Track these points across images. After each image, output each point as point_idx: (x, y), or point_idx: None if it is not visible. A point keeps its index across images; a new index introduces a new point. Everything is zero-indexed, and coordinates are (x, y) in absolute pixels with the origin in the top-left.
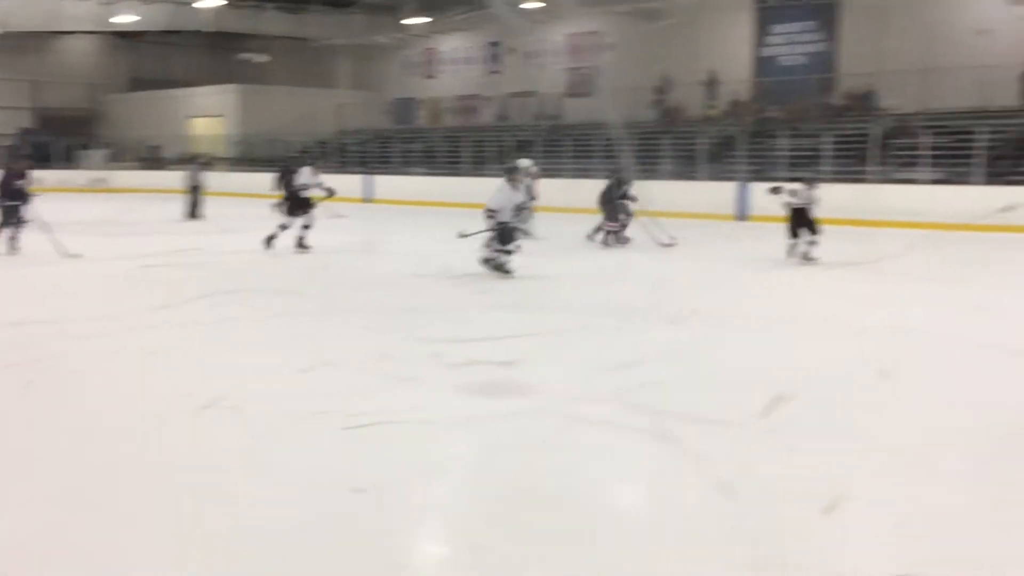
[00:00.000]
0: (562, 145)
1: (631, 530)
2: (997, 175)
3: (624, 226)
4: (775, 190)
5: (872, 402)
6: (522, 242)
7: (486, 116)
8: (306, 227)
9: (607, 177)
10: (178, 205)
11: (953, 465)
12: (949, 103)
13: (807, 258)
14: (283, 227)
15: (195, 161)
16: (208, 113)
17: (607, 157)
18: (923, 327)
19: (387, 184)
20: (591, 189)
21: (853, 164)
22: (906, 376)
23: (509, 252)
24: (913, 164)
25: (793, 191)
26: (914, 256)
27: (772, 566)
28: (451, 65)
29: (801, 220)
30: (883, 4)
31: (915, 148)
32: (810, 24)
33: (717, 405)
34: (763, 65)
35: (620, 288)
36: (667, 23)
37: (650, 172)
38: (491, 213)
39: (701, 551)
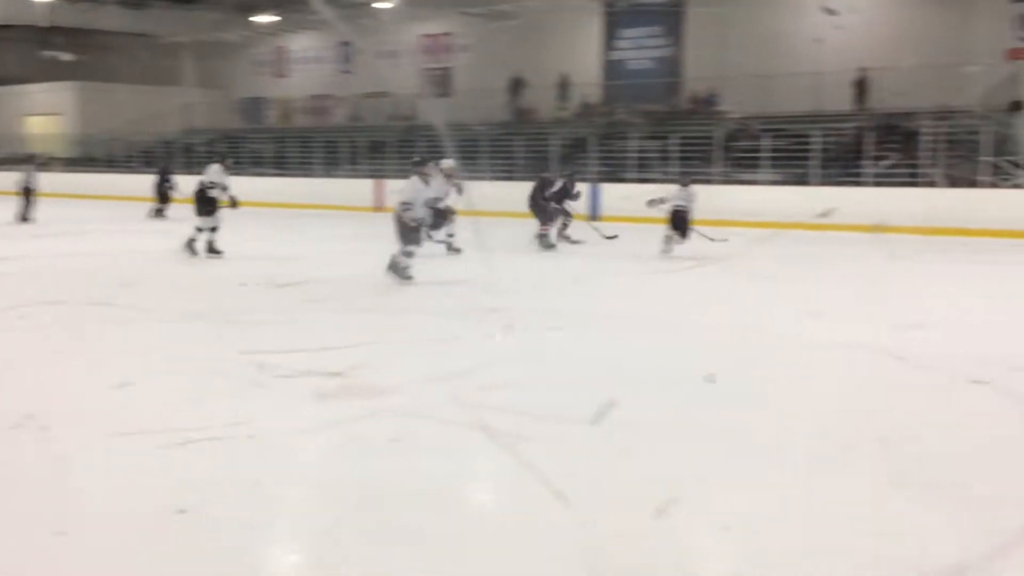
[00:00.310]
0: (416, 146)
1: (466, 533)
2: (831, 177)
3: (565, 225)
4: (652, 203)
5: (708, 401)
6: (425, 245)
7: (339, 116)
8: (213, 229)
9: (534, 178)
10: (11, 208)
11: (788, 462)
12: (787, 107)
13: (664, 251)
14: (199, 229)
15: (31, 161)
16: (45, 111)
17: (464, 158)
18: (761, 324)
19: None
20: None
21: (698, 165)
22: (743, 374)
23: (411, 254)
24: (754, 166)
25: (663, 198)
26: (756, 254)
27: (605, 569)
28: (302, 64)
29: (679, 220)
30: (725, 12)
31: (756, 150)
32: (656, 29)
33: (557, 406)
34: (612, 68)
35: (470, 290)
36: (513, 23)
37: (505, 172)
38: (406, 205)
39: (535, 553)
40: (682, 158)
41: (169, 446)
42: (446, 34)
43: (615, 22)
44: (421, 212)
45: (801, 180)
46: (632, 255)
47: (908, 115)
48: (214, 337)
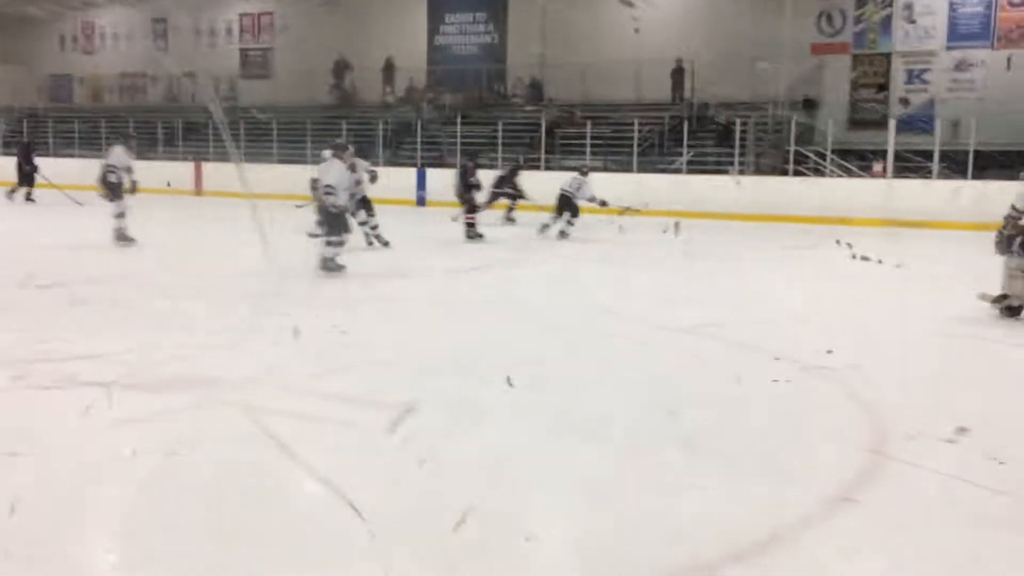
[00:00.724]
0: (236, 128)
1: (289, 531)
2: (651, 164)
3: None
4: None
5: (536, 383)
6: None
7: (153, 96)
8: (120, 215)
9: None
10: None
11: (606, 441)
12: (608, 96)
13: (563, 234)
14: (120, 215)
15: None
16: None
17: (287, 141)
18: (605, 307)
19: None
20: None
21: (523, 151)
22: (575, 356)
23: (341, 243)
24: (578, 152)
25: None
26: (587, 240)
27: None
28: (113, 41)
29: (565, 204)
30: (547, 1)
31: (580, 137)
32: (481, 15)
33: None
34: (438, 53)
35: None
36: (336, 4)
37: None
38: (330, 189)
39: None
40: (508, 144)
41: None
42: (267, 14)
43: (440, 7)
44: (344, 198)
45: (624, 167)
46: (454, 242)
47: (722, 106)
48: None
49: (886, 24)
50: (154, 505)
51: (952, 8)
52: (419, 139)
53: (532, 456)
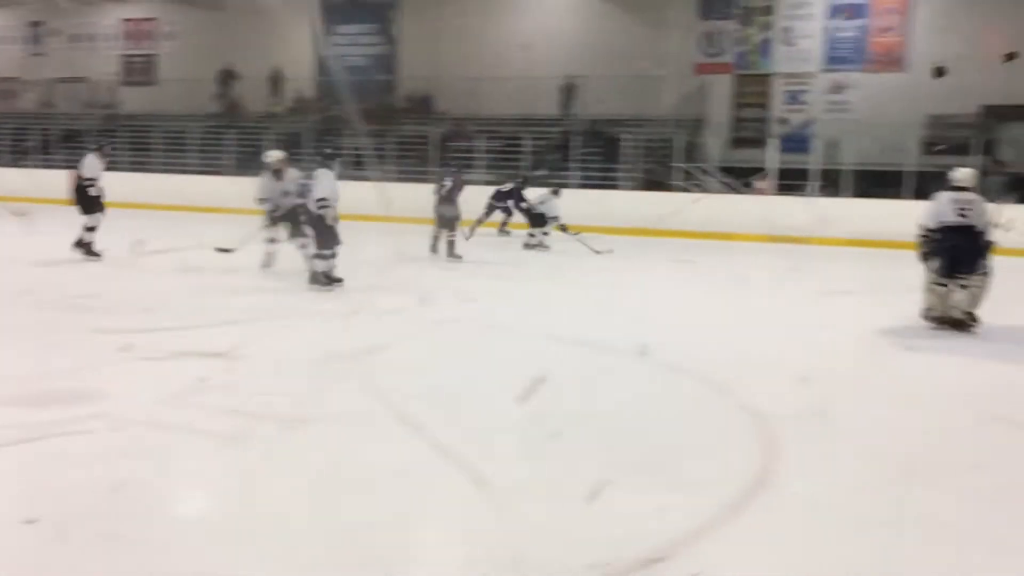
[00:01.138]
0: (118, 136)
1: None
2: (540, 179)
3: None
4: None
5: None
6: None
7: (28, 102)
8: (92, 229)
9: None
10: None
11: (497, 447)
12: (499, 110)
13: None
14: (88, 228)
15: None
16: None
17: (170, 150)
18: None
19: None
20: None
21: (415, 164)
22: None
23: (333, 256)
24: (469, 166)
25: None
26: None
27: None
28: None
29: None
30: (437, 15)
31: (471, 151)
32: (371, 27)
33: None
34: (327, 64)
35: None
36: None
37: (214, 166)
38: (324, 202)
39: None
40: (399, 157)
41: None
42: (150, 19)
43: (330, 17)
44: (336, 210)
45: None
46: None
47: (610, 122)
48: None
49: (766, 46)
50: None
51: (828, 32)
52: (308, 151)
53: (428, 467)
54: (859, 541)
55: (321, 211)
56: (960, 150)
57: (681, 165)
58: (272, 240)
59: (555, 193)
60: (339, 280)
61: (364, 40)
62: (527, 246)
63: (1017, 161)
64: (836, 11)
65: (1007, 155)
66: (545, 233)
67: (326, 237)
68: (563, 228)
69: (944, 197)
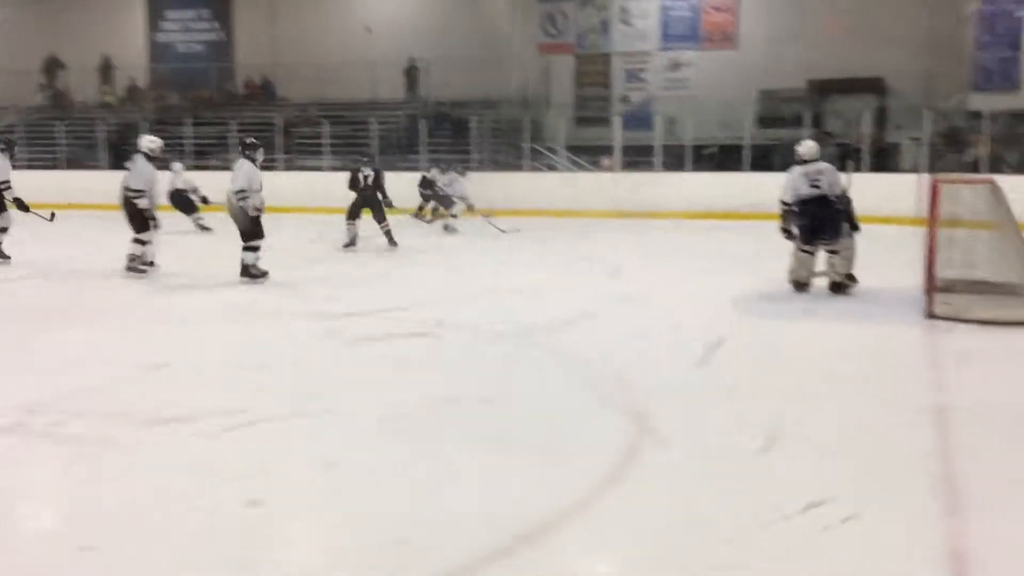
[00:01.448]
0: None
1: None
2: (390, 163)
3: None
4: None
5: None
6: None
7: None
8: (4, 230)
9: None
10: None
11: (381, 432)
12: (343, 95)
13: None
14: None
15: None
16: None
17: None
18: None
19: None
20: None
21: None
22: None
23: (256, 248)
24: (316, 152)
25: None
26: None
27: None
28: None
29: (367, 204)
30: None
31: (317, 137)
32: (204, 12)
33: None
34: (159, 51)
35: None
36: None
37: (48, 161)
38: (243, 194)
39: None
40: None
41: None
42: None
43: (159, 3)
44: (259, 199)
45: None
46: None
47: (457, 105)
48: None
49: (605, 26)
50: None
51: (663, 11)
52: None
53: (309, 455)
54: (728, 504)
55: (241, 203)
56: (793, 123)
57: (529, 145)
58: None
59: (461, 174)
60: (265, 273)
61: (197, 26)
62: (446, 228)
63: (843, 132)
64: None
65: (834, 127)
66: (453, 215)
67: (252, 229)
68: (471, 208)
69: (797, 171)
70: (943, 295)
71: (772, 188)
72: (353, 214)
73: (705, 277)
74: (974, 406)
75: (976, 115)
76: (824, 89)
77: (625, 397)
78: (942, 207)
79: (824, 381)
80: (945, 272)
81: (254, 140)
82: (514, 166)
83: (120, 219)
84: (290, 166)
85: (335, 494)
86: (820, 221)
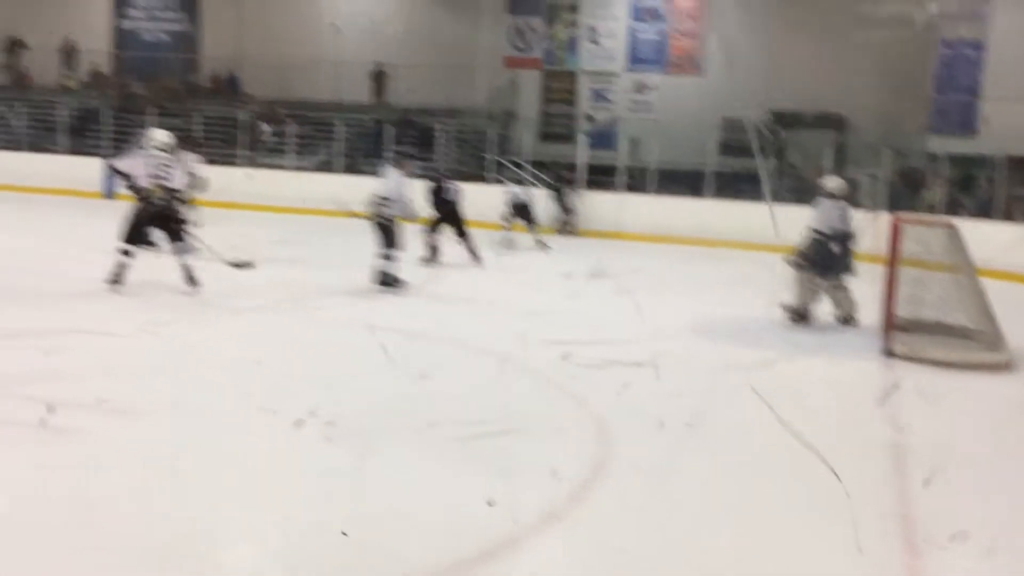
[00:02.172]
0: None
1: None
2: (354, 166)
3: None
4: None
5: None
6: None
7: None
8: None
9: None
10: None
11: (342, 442)
12: (309, 95)
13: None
14: None
15: None
16: None
17: None
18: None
19: None
20: None
21: (221, 147)
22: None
23: (393, 257)
24: (281, 151)
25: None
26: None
27: None
28: None
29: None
30: None
31: (282, 135)
32: (171, 2)
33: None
34: (124, 38)
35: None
36: None
37: (6, 143)
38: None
39: None
40: (205, 138)
41: None
42: None
43: None
44: (403, 207)
45: (325, 168)
46: None
47: (423, 111)
48: None
49: (573, 44)
50: None
51: (631, 33)
52: (106, 128)
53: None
54: (681, 521)
55: (385, 210)
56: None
57: (494, 157)
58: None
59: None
60: (402, 281)
61: (164, 15)
62: None
63: (803, 164)
64: (638, 13)
65: (793, 159)
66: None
67: (391, 238)
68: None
69: (830, 205)
70: (900, 334)
71: (737, 216)
72: (434, 228)
73: (672, 300)
74: (928, 444)
75: (933, 157)
76: (787, 121)
77: (587, 414)
78: (902, 246)
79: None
80: (903, 311)
81: (407, 149)
82: (477, 177)
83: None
84: (253, 163)
85: (279, 498)
86: (844, 258)
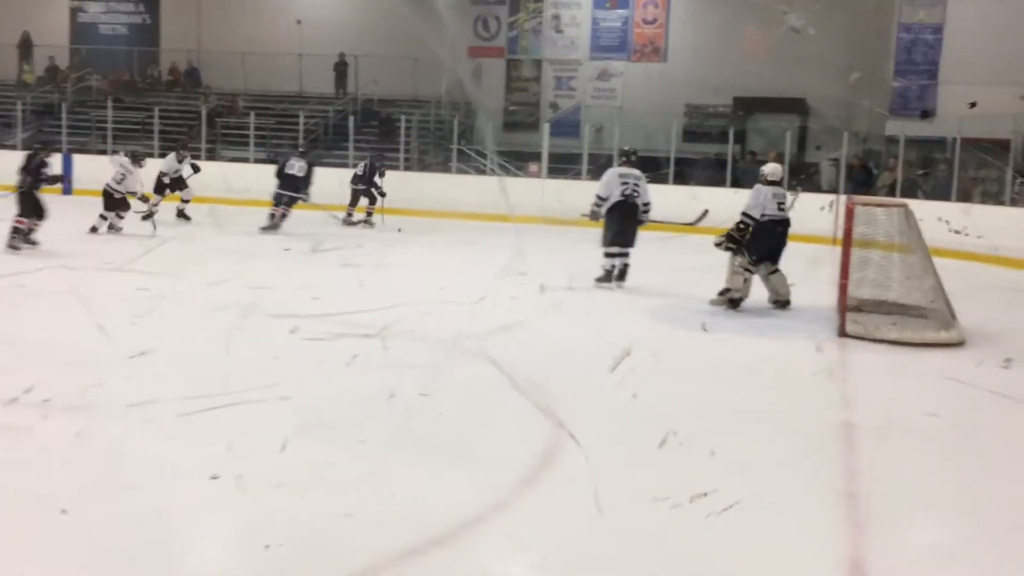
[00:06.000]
0: None
1: None
2: (319, 158)
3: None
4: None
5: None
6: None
7: None
8: None
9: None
10: None
11: (279, 424)
12: (271, 87)
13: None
14: None
15: None
16: None
17: None
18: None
19: None
20: None
21: (183, 140)
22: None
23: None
24: (242, 143)
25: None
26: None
27: None
28: None
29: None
30: None
31: (243, 127)
32: None
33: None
34: (81, 31)
35: None
36: None
37: None
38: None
39: None
40: (164, 132)
41: None
42: None
43: None
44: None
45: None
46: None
47: (386, 102)
48: None
49: (536, 32)
50: None
51: (595, 21)
52: (64, 122)
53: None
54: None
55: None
56: (718, 138)
57: (458, 147)
58: None
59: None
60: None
61: (123, 8)
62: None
63: (765, 151)
64: (601, 1)
65: (755, 144)
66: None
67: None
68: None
69: (766, 191)
70: (855, 314)
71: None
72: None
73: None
74: (879, 422)
75: (893, 140)
76: (749, 107)
77: (542, 401)
78: (857, 228)
79: (732, 392)
80: (858, 292)
81: (632, 148)
82: (442, 167)
83: None
84: (214, 156)
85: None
86: (778, 245)
